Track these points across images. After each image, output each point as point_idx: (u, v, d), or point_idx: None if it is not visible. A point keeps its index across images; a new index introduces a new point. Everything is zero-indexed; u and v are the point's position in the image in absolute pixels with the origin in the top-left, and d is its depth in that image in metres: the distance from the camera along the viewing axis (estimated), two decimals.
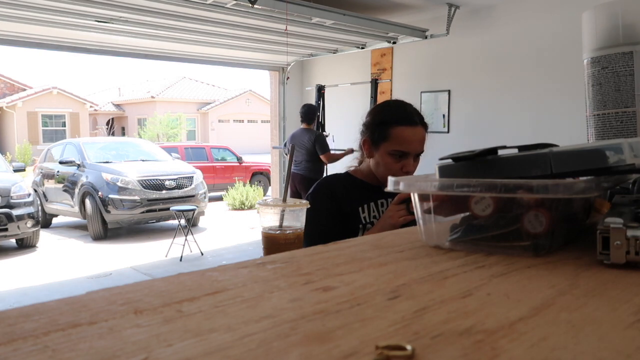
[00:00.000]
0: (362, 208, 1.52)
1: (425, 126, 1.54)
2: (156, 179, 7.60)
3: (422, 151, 1.54)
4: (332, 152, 5.58)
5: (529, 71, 5.09)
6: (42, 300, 0.45)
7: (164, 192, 7.57)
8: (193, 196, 7.82)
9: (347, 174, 1.64)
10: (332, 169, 5.40)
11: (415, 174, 1.47)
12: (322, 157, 5.44)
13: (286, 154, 5.86)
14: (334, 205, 1.51)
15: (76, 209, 7.66)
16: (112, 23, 4.69)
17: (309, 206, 0.96)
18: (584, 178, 0.65)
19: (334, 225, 1.49)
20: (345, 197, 1.53)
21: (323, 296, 0.47)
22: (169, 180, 7.70)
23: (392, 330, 0.39)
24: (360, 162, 1.65)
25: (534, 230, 0.61)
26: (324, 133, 5.99)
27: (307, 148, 5.42)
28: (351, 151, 5.51)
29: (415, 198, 0.70)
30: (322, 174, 5.66)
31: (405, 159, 1.50)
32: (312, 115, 5.64)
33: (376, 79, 6.34)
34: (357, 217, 1.51)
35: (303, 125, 5.57)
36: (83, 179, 7.58)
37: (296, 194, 5.39)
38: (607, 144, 0.61)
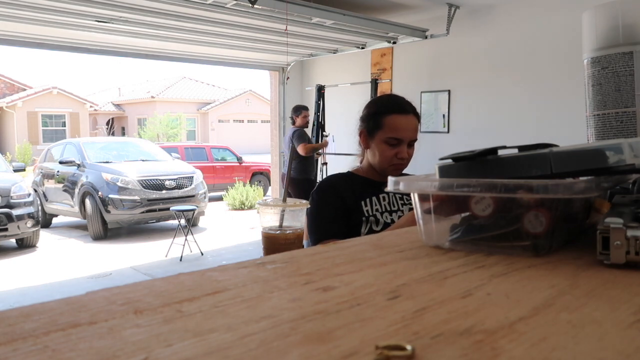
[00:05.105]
0: (364, 202, 1.59)
1: (417, 116, 1.63)
2: (156, 179, 7.60)
3: (416, 139, 1.62)
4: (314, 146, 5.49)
5: (529, 71, 5.09)
6: (42, 300, 0.45)
7: (164, 192, 7.57)
8: (193, 196, 7.82)
9: (349, 172, 1.73)
10: (331, 169, 5.38)
11: (415, 173, 1.47)
12: (298, 149, 5.25)
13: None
14: (338, 200, 1.58)
15: (76, 209, 7.66)
16: (112, 23, 4.69)
17: (308, 206, 0.96)
18: (584, 178, 0.65)
19: (339, 219, 1.56)
20: (348, 193, 1.60)
21: (323, 296, 0.47)
22: (169, 180, 7.70)
23: (392, 330, 0.39)
24: (361, 161, 1.74)
25: (534, 230, 0.61)
26: (324, 133, 5.98)
27: (290, 147, 5.26)
28: (326, 144, 5.49)
29: (415, 198, 0.70)
30: (310, 174, 5.56)
31: (399, 146, 1.58)
32: (293, 112, 5.64)
33: (376, 79, 6.33)
34: (360, 211, 1.57)
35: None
36: (83, 179, 7.58)
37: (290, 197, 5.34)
38: (607, 144, 0.61)
